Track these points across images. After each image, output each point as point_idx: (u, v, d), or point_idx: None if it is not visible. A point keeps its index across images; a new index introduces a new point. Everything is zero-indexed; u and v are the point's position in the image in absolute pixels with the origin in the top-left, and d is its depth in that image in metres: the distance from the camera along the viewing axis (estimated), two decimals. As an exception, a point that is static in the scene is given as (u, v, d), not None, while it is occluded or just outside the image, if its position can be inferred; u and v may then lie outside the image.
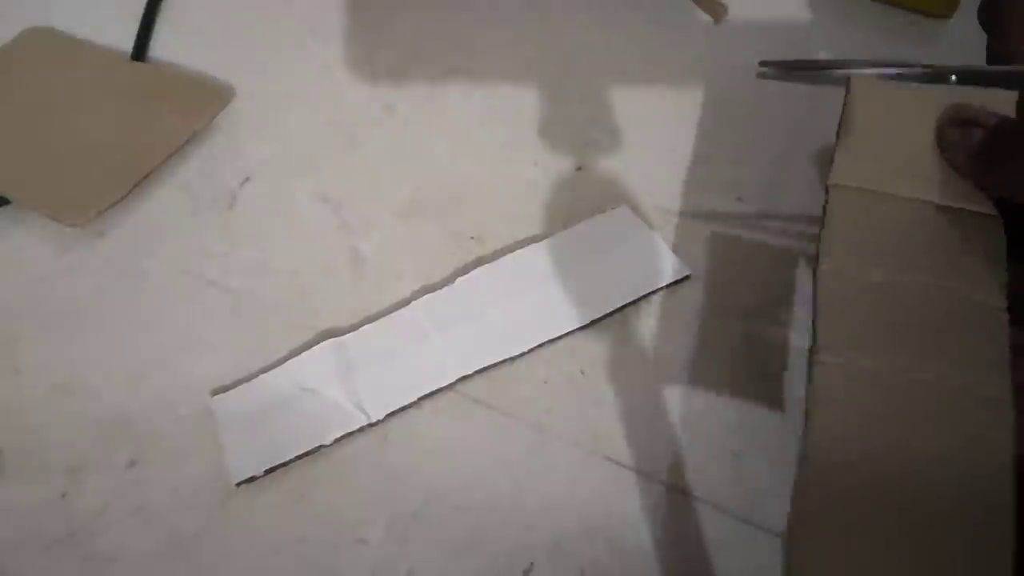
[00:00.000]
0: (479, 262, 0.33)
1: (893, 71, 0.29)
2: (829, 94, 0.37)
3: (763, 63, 0.30)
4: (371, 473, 0.29)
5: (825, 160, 0.29)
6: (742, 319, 0.32)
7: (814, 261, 0.26)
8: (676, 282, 0.32)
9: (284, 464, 0.29)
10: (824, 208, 0.27)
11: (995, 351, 0.23)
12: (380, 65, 0.38)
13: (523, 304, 0.31)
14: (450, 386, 0.30)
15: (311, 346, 0.31)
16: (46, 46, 0.39)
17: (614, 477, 0.29)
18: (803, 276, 0.33)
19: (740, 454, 0.30)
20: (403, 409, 0.30)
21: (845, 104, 0.29)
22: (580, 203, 0.34)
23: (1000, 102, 0.26)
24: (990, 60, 0.29)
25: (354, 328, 0.31)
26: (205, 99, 0.36)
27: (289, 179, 0.35)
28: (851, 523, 0.22)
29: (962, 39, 0.39)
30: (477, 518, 0.28)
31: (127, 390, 0.31)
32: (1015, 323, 0.24)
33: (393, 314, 0.31)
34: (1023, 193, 0.24)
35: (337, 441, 0.29)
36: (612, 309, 0.31)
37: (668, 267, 0.32)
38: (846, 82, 0.29)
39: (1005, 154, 0.24)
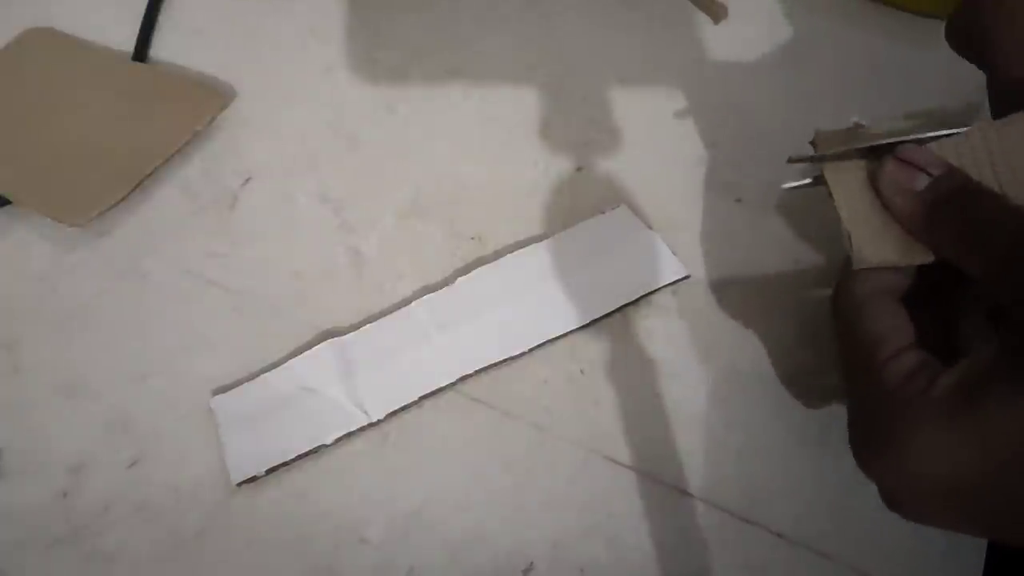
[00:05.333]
0: (479, 262, 0.33)
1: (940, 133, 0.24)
2: (828, 95, 0.38)
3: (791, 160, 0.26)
4: (372, 473, 0.29)
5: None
6: (741, 319, 0.32)
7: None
8: (675, 282, 0.32)
9: (285, 464, 0.29)
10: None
11: None
12: (381, 65, 0.38)
13: (523, 304, 0.31)
14: (450, 386, 0.30)
15: (312, 346, 0.31)
16: (47, 46, 0.39)
17: (614, 477, 0.29)
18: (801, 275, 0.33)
19: (740, 454, 0.30)
20: (404, 409, 0.30)
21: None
22: (580, 203, 0.34)
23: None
24: (994, 96, 0.25)
25: (355, 328, 0.31)
26: (206, 99, 0.36)
27: (290, 179, 0.35)
28: None
29: (961, 40, 0.39)
30: (477, 517, 0.28)
31: (128, 390, 0.31)
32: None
33: (393, 314, 0.31)
34: (965, 259, 0.21)
35: (338, 441, 0.29)
36: (612, 309, 0.31)
37: (667, 267, 0.32)
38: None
39: (957, 209, 0.22)
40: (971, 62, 0.26)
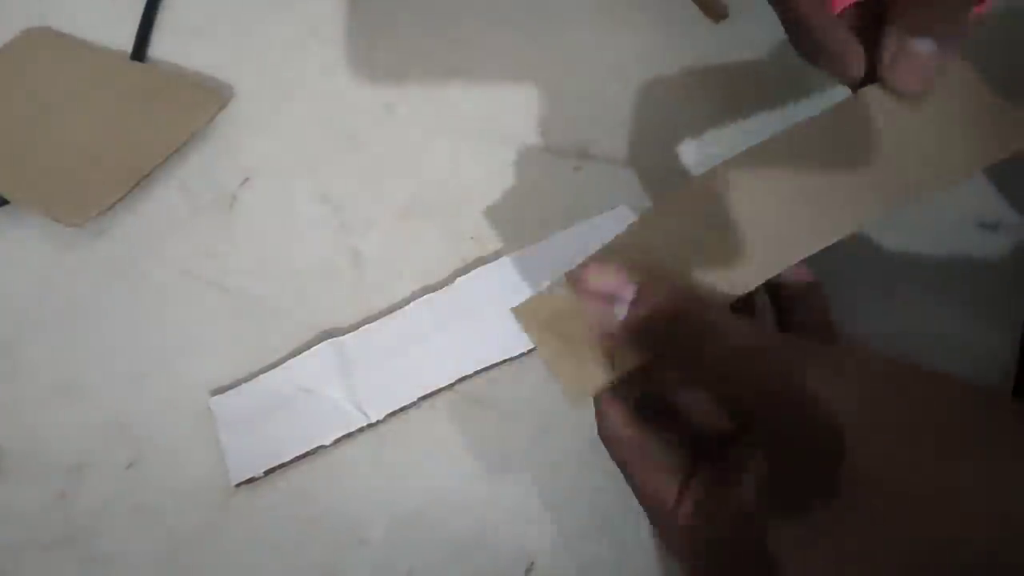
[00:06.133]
0: (479, 262, 0.33)
1: None
2: (830, 94, 0.37)
3: None
4: (371, 473, 0.29)
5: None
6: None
7: None
8: (676, 282, 0.32)
9: (284, 465, 0.29)
10: None
11: None
12: (380, 65, 0.38)
13: (523, 304, 0.31)
14: (450, 386, 0.30)
15: (311, 346, 0.31)
16: (45, 46, 0.39)
17: (614, 476, 0.29)
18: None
19: (740, 454, 0.30)
20: (403, 409, 0.30)
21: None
22: (580, 203, 0.34)
23: None
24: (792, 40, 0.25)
25: (354, 328, 0.31)
26: (204, 99, 0.36)
27: (289, 179, 0.35)
28: None
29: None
30: (477, 518, 0.28)
31: (127, 390, 0.31)
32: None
33: (393, 314, 0.31)
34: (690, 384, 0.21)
35: (337, 441, 0.29)
36: (612, 309, 0.31)
37: (668, 267, 0.32)
38: None
39: (664, 339, 0.21)
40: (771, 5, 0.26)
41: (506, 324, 0.31)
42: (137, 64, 0.38)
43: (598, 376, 0.22)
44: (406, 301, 0.32)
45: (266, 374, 0.30)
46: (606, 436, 0.23)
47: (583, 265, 0.23)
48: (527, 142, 0.36)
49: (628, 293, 0.21)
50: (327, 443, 0.29)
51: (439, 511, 0.28)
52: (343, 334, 0.31)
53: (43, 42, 0.39)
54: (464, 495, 0.29)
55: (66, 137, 0.35)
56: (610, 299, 0.21)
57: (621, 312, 0.21)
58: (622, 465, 0.23)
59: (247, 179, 0.35)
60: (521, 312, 0.24)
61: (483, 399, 0.30)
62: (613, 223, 0.33)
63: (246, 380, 0.30)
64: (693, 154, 0.36)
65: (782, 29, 0.26)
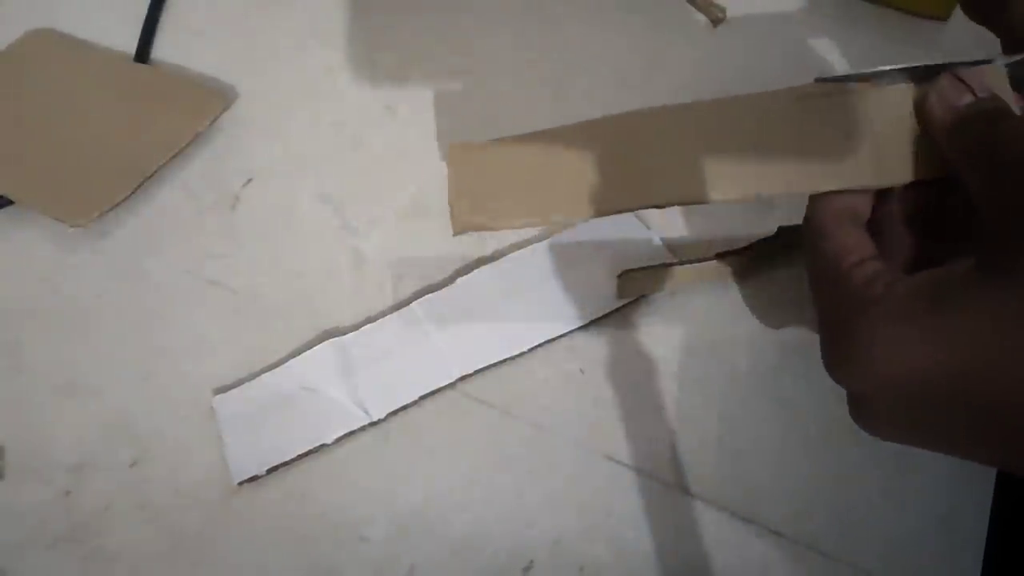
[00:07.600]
0: (479, 262, 0.33)
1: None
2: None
3: (819, 79, 0.28)
4: (372, 472, 0.29)
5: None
6: (741, 319, 0.32)
7: None
8: (675, 282, 0.32)
9: (286, 463, 0.29)
10: None
11: None
12: (381, 67, 0.39)
13: (523, 304, 0.31)
14: (451, 385, 0.30)
15: (313, 346, 0.31)
16: (49, 48, 0.39)
17: (614, 476, 0.29)
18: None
19: (740, 453, 0.30)
20: (404, 408, 0.30)
21: None
22: (580, 204, 0.34)
23: None
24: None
25: (355, 328, 0.31)
26: (207, 100, 0.37)
27: (291, 180, 0.35)
28: None
29: (958, 40, 0.39)
30: (477, 516, 0.29)
31: (130, 389, 0.31)
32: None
33: (394, 314, 0.31)
34: (967, 173, 0.22)
35: (338, 440, 0.29)
36: (612, 309, 0.31)
37: (668, 267, 0.32)
38: None
39: (980, 127, 0.23)
40: (984, 26, 0.27)
41: (506, 323, 0.31)
42: (140, 66, 0.38)
43: (484, 217, 0.25)
44: (407, 301, 0.32)
45: (268, 373, 0.30)
46: (812, 214, 0.25)
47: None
48: (527, 143, 0.36)
49: (984, 93, 0.23)
50: (329, 442, 0.29)
51: (440, 509, 0.29)
52: (344, 333, 0.31)
53: (46, 43, 0.39)
54: (464, 494, 0.29)
55: (69, 138, 0.36)
56: (962, 90, 0.23)
57: (966, 99, 0.23)
58: (814, 238, 0.24)
59: (250, 180, 0.36)
60: (454, 146, 0.27)
61: (483, 398, 0.30)
62: (613, 223, 0.34)
63: (248, 379, 0.30)
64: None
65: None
